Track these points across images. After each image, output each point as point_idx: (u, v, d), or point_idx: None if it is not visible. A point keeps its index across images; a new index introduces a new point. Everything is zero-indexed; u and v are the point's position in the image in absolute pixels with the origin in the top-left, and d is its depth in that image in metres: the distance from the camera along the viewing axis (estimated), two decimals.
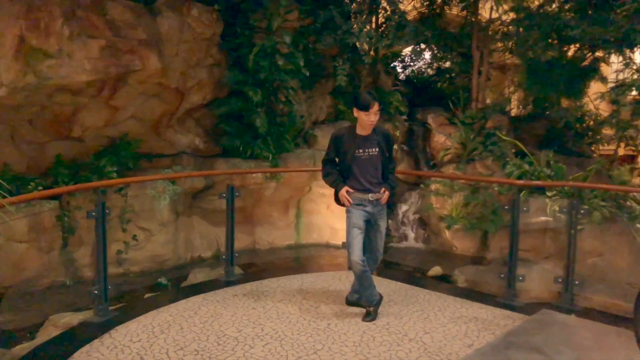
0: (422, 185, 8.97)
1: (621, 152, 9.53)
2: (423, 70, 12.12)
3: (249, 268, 7.12)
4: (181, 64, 7.03)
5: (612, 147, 9.43)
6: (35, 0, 5.62)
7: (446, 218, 8.19)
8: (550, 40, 8.08)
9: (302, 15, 8.83)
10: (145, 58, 6.37)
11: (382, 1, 9.29)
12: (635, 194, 7.16)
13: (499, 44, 9.71)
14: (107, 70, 6.07)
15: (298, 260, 7.99)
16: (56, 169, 6.48)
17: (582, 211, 5.17)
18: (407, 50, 11.97)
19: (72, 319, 4.88)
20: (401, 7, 9.24)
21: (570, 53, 8.78)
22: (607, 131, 9.24)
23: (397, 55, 11.91)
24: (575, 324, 4.41)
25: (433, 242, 8.85)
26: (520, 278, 5.15)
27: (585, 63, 8.72)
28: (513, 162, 7.74)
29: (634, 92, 6.31)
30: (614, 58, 8.55)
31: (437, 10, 10.27)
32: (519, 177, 7.36)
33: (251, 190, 7.88)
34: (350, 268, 4.80)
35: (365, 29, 8.75)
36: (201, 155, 7.95)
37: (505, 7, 8.59)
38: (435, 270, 7.28)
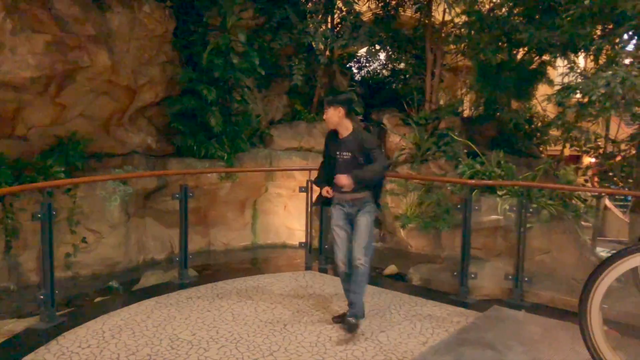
0: None
1: (567, 152, 9.90)
2: (378, 71, 12.25)
3: (203, 270, 7.00)
4: (132, 61, 6.85)
5: (559, 147, 9.79)
6: None
7: (401, 217, 8.30)
8: (500, 44, 8.30)
9: (257, 14, 8.79)
10: (94, 54, 6.18)
11: (338, 2, 9.34)
12: (579, 192, 7.46)
13: (452, 46, 9.91)
14: (53, 66, 5.86)
15: (254, 261, 7.93)
16: None
17: (530, 210, 5.33)
18: (363, 51, 12.09)
19: (17, 325, 4.67)
20: (356, 7, 9.33)
21: (519, 56, 9.04)
22: (554, 132, 9.57)
23: (352, 56, 12.00)
24: (524, 319, 4.54)
25: (389, 241, 8.95)
26: (473, 276, 5.27)
27: (533, 66, 9.00)
28: (465, 162, 7.91)
29: (578, 95, 6.55)
30: (559, 62, 8.87)
31: (392, 12, 10.39)
32: (471, 177, 7.53)
33: (206, 190, 7.77)
34: None
35: (321, 29, 8.78)
36: (153, 155, 7.77)
37: (458, 10, 8.78)
38: (391, 268, 7.37)
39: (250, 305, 4.87)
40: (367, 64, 12.31)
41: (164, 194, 7.55)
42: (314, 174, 6.34)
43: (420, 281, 6.77)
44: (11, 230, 6.15)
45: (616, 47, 6.42)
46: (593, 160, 9.34)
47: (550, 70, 9.56)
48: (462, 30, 8.87)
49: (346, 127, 4.26)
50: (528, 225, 5.42)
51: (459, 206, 5.51)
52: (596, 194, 8.22)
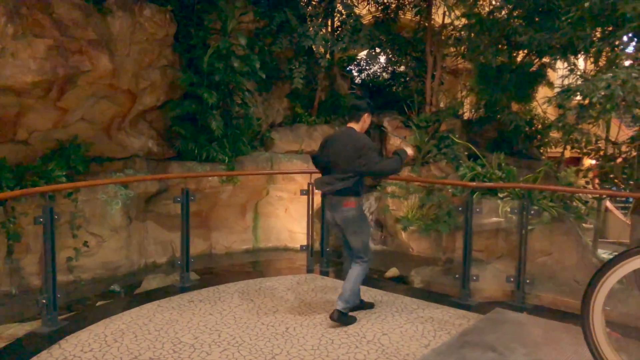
0: (378, 188, 9.06)
1: (567, 154, 9.89)
2: (378, 74, 12.26)
3: (205, 273, 6.99)
4: (133, 65, 6.86)
5: (559, 149, 9.78)
6: None
7: (402, 220, 8.30)
8: (500, 46, 8.31)
9: (258, 17, 8.81)
10: (95, 59, 6.19)
11: (338, 5, 9.36)
12: (580, 194, 7.45)
13: (452, 49, 9.92)
14: (54, 70, 5.86)
15: (256, 264, 7.92)
16: (0, 173, 6.19)
17: (532, 212, 5.33)
18: (363, 54, 12.10)
19: (19, 330, 4.68)
20: (356, 11, 9.35)
21: (519, 59, 9.05)
22: (554, 134, 9.57)
23: (352, 59, 12.02)
24: (526, 321, 4.54)
25: (390, 244, 8.94)
26: (474, 278, 5.27)
27: (533, 68, 9.01)
28: (466, 164, 7.91)
29: (579, 97, 6.55)
30: (559, 64, 8.88)
31: (392, 15, 10.42)
32: (472, 179, 7.53)
33: (207, 194, 7.77)
34: None
35: (321, 32, 8.80)
36: (154, 159, 7.77)
37: (457, 12, 8.79)
38: (393, 271, 7.37)
39: (252, 308, 4.87)
40: (367, 67, 12.33)
41: (165, 197, 7.56)
42: (315, 177, 6.38)
43: (422, 284, 6.78)
44: (13, 234, 6.15)
45: (616, 49, 6.42)
46: (594, 162, 9.33)
47: (550, 72, 9.57)
48: (462, 32, 8.88)
49: None
50: (529, 227, 5.42)
51: (460, 208, 5.51)
52: (597, 195, 8.20)
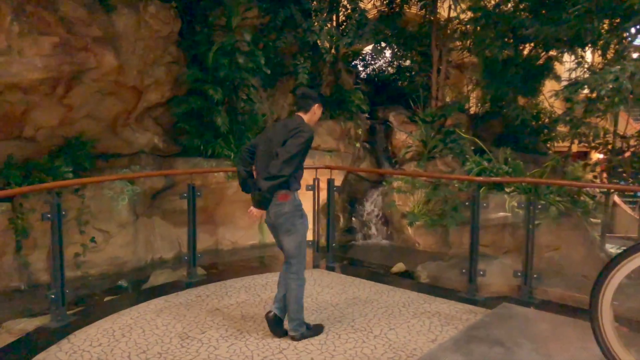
0: (384, 183, 9.05)
1: (575, 148, 9.84)
2: (383, 68, 12.23)
3: (211, 269, 7.02)
4: (138, 61, 6.87)
5: (566, 144, 9.73)
6: None
7: (408, 215, 8.29)
8: (506, 39, 8.27)
9: (262, 13, 8.78)
10: (100, 55, 6.20)
11: None
12: (588, 189, 7.42)
13: (457, 43, 9.89)
14: (60, 68, 5.88)
15: (262, 259, 7.94)
16: (7, 170, 6.22)
17: (539, 206, 5.30)
18: (368, 48, 12.07)
19: (28, 324, 4.71)
20: (361, 5, 9.31)
21: (525, 52, 9.00)
22: (561, 128, 9.52)
23: (357, 54, 11.99)
24: (533, 316, 4.52)
25: (396, 239, 8.94)
26: (481, 273, 5.25)
27: (540, 62, 8.96)
28: (472, 159, 7.89)
29: (586, 90, 6.51)
30: (566, 57, 8.82)
31: (397, 9, 10.38)
32: (478, 174, 7.50)
33: (213, 189, 7.78)
34: None
35: (326, 27, 8.77)
36: (160, 155, 7.79)
37: (463, 6, 8.75)
38: (399, 266, 7.36)
39: (258, 303, 4.88)
40: (373, 62, 12.30)
41: (172, 193, 7.58)
42: (321, 172, 6.38)
43: (428, 279, 6.77)
44: (21, 230, 6.19)
45: (624, 41, 6.37)
46: (601, 156, 9.28)
47: (557, 65, 9.51)
48: (468, 26, 8.85)
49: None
50: (536, 222, 5.40)
51: (466, 203, 5.49)
52: (605, 190, 8.17)
